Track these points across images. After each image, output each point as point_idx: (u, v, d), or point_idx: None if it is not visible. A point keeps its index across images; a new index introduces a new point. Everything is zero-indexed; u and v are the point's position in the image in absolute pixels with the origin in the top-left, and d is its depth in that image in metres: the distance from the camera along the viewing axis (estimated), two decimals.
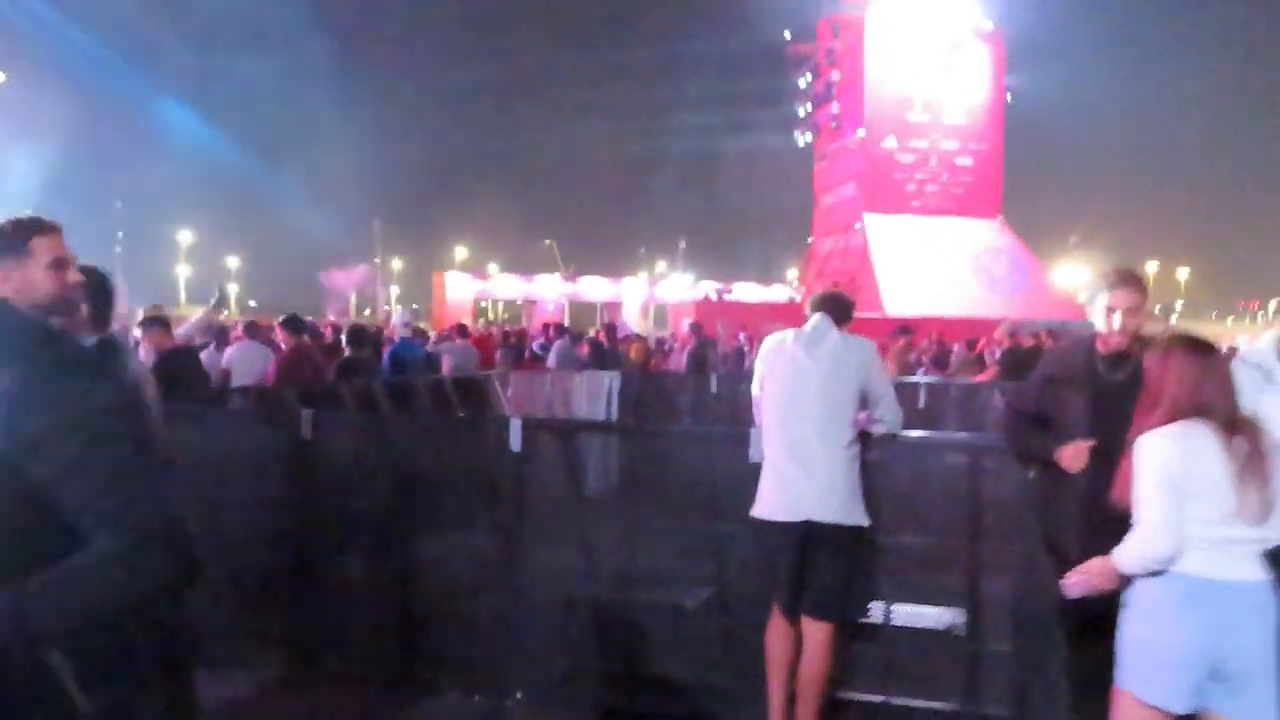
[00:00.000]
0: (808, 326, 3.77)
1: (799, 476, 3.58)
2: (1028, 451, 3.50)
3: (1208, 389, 2.60)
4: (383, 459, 4.76)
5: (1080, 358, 3.35)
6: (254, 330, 9.96)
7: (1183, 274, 70.13)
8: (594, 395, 10.10)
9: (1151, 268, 68.34)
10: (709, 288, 43.84)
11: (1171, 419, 2.60)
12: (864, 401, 3.71)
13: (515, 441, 4.36)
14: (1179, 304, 70.11)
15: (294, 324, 8.28)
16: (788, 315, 28.22)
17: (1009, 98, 35.48)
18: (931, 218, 33.80)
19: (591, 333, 17.29)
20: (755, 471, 3.84)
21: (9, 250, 2.38)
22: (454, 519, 4.62)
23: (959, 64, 34.75)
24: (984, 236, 33.40)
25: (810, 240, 42.92)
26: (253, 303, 56.43)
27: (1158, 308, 65.53)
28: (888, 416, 3.75)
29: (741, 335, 21.48)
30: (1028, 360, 9.88)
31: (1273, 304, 61.74)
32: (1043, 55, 38.94)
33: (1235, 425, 2.57)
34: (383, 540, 4.67)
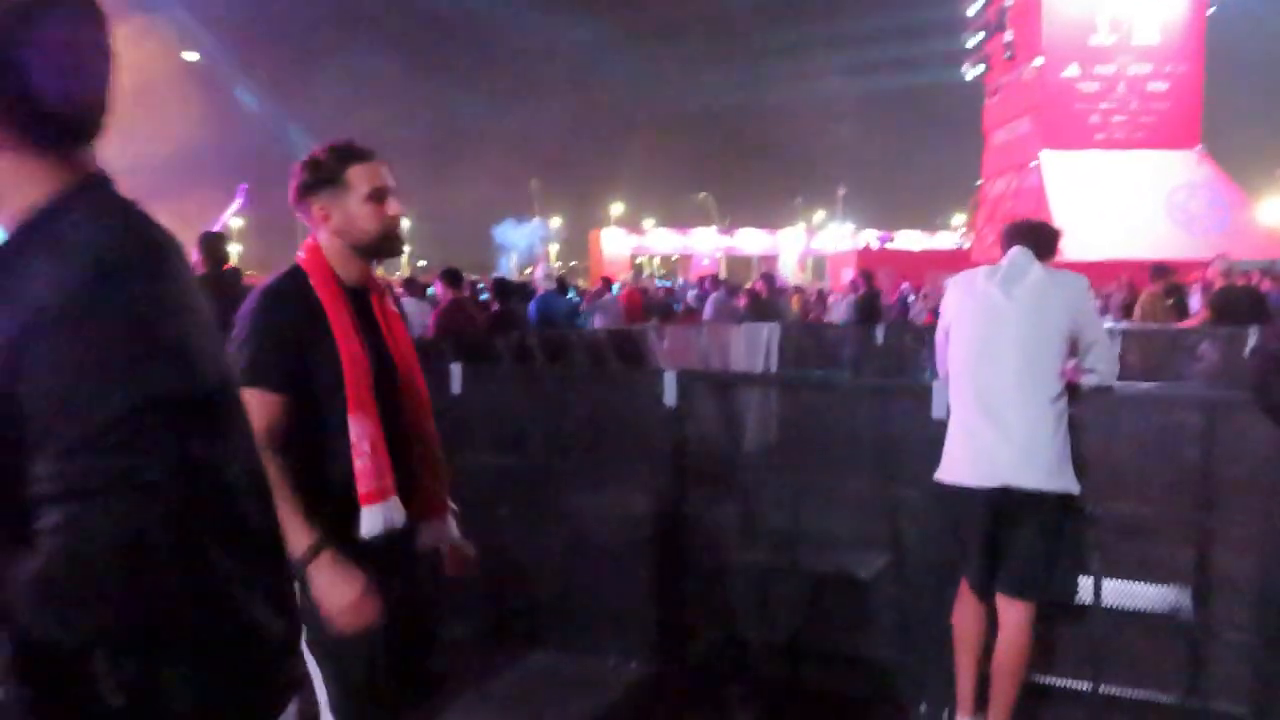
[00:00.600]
0: (1004, 261, 3.25)
1: (994, 435, 3.10)
2: None
3: None
4: (534, 413, 4.57)
5: None
6: (413, 286, 10.08)
7: None
8: (752, 348, 9.70)
9: None
10: (869, 237, 42.36)
11: None
12: (1072, 348, 3.18)
13: (670, 396, 4.06)
14: None
15: (452, 277, 8.28)
16: (953, 263, 26.77)
17: (1211, 10, 31.89)
18: (1118, 151, 31.08)
19: (749, 285, 16.85)
20: (936, 430, 3.40)
21: (325, 182, 2.13)
22: (609, 476, 4.38)
23: None
24: (1180, 170, 30.41)
25: (979, 183, 40.57)
26: (422, 262, 58.77)
27: None
28: (1100, 366, 3.21)
29: (904, 285, 20.55)
30: (1244, 303, 8.79)
31: None
32: None
33: None
34: (535, 498, 4.49)
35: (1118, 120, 31.94)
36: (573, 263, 60.76)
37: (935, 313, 13.93)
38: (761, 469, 4.21)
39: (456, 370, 4.56)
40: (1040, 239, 3.28)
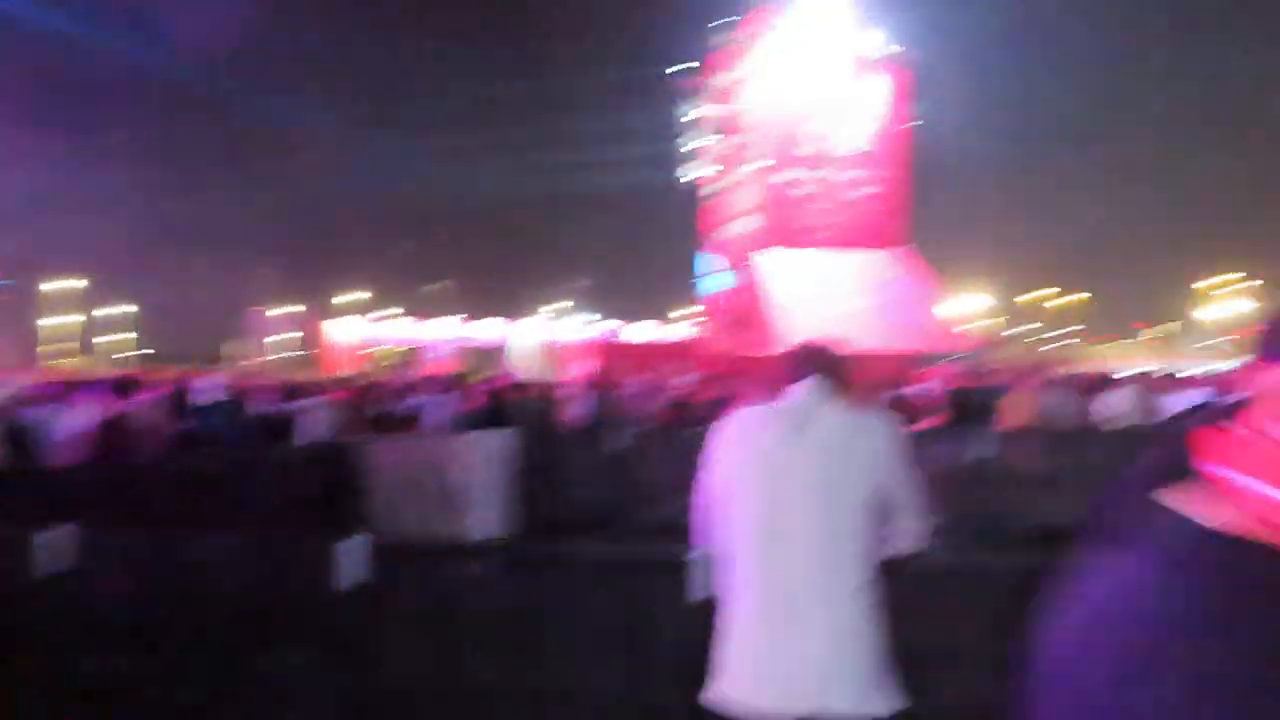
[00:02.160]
0: (789, 399, 2.46)
1: (786, 642, 2.26)
2: None
3: None
4: (169, 596, 3.31)
5: None
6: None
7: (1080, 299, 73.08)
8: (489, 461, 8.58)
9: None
10: (604, 327, 42.90)
11: None
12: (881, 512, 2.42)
13: (351, 571, 2.98)
14: (1078, 327, 72.65)
15: (122, 387, 6.69)
16: (685, 354, 27.13)
17: (913, 124, 35.36)
18: (831, 251, 33.35)
19: (486, 381, 15.70)
20: (699, 613, 2.56)
21: None
22: (263, 683, 3.17)
23: (859, 92, 34.55)
24: (884, 268, 33.09)
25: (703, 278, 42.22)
26: (149, 350, 53.30)
27: (1058, 333, 67.63)
28: (910, 530, 2.47)
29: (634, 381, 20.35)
30: (982, 402, 8.85)
31: (1157, 329, 64.29)
32: (945, 82, 39.08)
33: None
34: (166, 711, 3.21)
35: (830, 222, 34.37)
36: (302, 352, 57.14)
37: (674, 405, 13.42)
38: (483, 667, 3.17)
39: (42, 543, 3.21)
40: (832, 366, 2.50)
